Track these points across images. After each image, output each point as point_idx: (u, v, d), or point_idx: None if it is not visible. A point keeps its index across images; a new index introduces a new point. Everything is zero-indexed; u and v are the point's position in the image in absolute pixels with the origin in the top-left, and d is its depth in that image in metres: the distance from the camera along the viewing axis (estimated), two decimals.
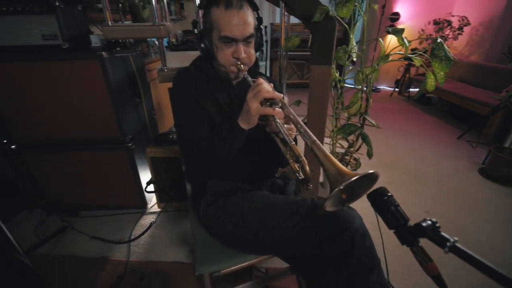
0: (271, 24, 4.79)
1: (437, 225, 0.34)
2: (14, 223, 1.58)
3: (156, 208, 1.70)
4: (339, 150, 1.59)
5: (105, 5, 1.11)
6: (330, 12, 0.97)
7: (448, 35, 4.08)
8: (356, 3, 1.02)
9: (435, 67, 1.07)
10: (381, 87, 5.07)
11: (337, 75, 1.31)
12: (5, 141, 1.45)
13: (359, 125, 1.33)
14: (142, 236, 1.48)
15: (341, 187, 0.42)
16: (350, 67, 1.33)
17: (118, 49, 1.36)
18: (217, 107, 0.88)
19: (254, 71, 0.92)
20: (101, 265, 1.31)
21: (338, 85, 1.32)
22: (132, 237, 1.46)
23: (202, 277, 0.83)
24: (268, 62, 4.83)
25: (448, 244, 0.32)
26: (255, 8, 0.81)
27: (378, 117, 3.41)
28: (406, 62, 4.46)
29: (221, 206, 0.81)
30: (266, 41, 4.97)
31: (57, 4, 1.23)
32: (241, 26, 0.76)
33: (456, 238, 0.32)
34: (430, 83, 1.21)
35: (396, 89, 4.70)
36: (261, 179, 0.91)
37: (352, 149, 1.49)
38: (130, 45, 1.67)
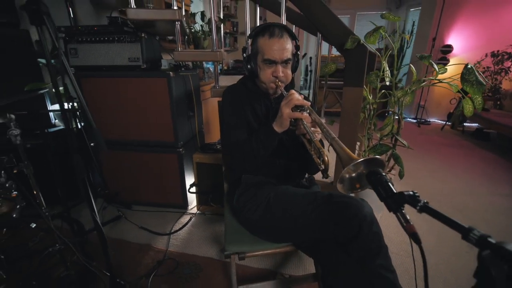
0: (316, 55, 5.03)
1: (417, 194, 0.42)
2: (82, 207, 1.91)
3: (195, 210, 1.89)
4: None
5: (178, 37, 1.43)
6: (361, 41, 1.10)
7: (509, 67, 3.80)
8: (384, 33, 1.13)
9: (469, 92, 1.10)
10: (431, 119, 4.78)
11: (370, 97, 1.39)
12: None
13: (391, 145, 1.36)
14: (181, 231, 1.65)
15: (350, 166, 0.53)
16: (382, 90, 1.40)
17: (183, 69, 1.66)
18: (256, 117, 1.05)
19: (290, 88, 1.08)
20: (145, 250, 1.50)
21: (371, 107, 1.39)
22: (172, 231, 1.65)
23: (229, 259, 0.94)
24: (312, 91, 5.02)
25: (419, 204, 0.40)
26: (293, 38, 1.00)
27: (426, 149, 3.22)
28: (459, 95, 4.21)
29: (251, 195, 0.95)
30: (311, 71, 5.21)
31: (143, 35, 1.61)
32: (280, 51, 0.94)
33: (426, 200, 0.40)
34: (468, 108, 1.22)
35: (448, 123, 4.40)
36: (288, 179, 1.03)
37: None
38: (190, 68, 2.01)
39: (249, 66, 1.02)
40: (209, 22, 2.72)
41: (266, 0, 1.93)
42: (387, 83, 1.33)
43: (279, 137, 0.89)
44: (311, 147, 0.76)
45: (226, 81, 1.99)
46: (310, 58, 5.24)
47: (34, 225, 1.28)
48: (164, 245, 1.54)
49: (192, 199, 1.94)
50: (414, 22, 4.60)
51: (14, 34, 1.65)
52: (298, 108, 0.83)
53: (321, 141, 0.79)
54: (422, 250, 0.41)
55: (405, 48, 4.26)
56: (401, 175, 1.32)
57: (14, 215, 0.88)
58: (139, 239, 1.60)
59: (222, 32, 2.02)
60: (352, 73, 1.21)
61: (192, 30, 2.55)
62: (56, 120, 1.98)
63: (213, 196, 1.76)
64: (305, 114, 0.80)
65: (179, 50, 1.45)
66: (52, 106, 1.97)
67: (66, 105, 1.85)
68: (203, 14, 2.52)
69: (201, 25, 2.72)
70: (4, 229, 0.93)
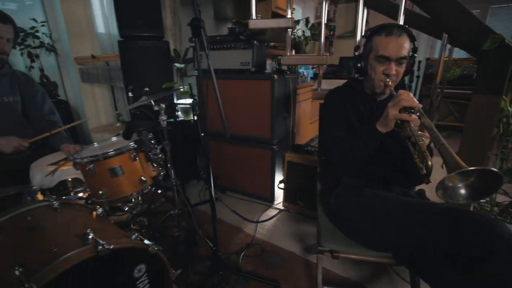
0: (427, 59, 4.39)
1: None
2: (188, 185, 2.30)
3: (280, 206, 1.99)
4: (503, 198, 1.30)
5: (288, 42, 1.55)
6: (506, 40, 0.92)
7: None
8: None
9: None
10: None
11: (510, 109, 1.14)
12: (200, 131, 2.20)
13: None
14: (267, 222, 1.78)
15: (455, 174, 0.49)
16: None
17: (288, 72, 1.78)
18: (359, 117, 1.04)
19: (399, 89, 1.02)
20: (236, 231, 1.69)
21: (511, 121, 1.13)
22: (260, 220, 1.79)
23: (318, 255, 0.96)
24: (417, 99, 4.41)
25: None
26: (412, 39, 0.94)
27: None
28: None
29: (351, 197, 0.94)
30: (418, 77, 4.58)
31: (254, 42, 1.81)
32: (396, 49, 0.91)
33: None
34: None
35: None
36: (388, 184, 0.97)
37: None
38: (288, 73, 2.12)
39: (359, 65, 1.02)
40: (312, 27, 2.79)
41: (377, 2, 1.83)
42: None
43: (382, 138, 0.86)
44: (415, 151, 0.71)
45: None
46: (419, 62, 4.60)
47: (160, 191, 1.64)
48: (252, 231, 1.70)
49: (278, 195, 2.04)
50: None
51: (159, 45, 2.15)
52: (407, 109, 0.78)
53: (429, 148, 0.73)
54: None
55: None
56: None
57: (160, 178, 1.17)
58: (230, 221, 1.81)
59: (323, 36, 2.04)
60: (487, 79, 1.02)
61: (293, 37, 2.68)
62: (179, 112, 2.46)
63: (300, 195, 1.81)
64: (413, 116, 0.75)
65: (287, 54, 1.56)
66: (178, 101, 2.45)
67: (190, 101, 2.25)
68: (307, 21, 2.61)
69: (302, 31, 2.82)
70: (153, 188, 1.24)
